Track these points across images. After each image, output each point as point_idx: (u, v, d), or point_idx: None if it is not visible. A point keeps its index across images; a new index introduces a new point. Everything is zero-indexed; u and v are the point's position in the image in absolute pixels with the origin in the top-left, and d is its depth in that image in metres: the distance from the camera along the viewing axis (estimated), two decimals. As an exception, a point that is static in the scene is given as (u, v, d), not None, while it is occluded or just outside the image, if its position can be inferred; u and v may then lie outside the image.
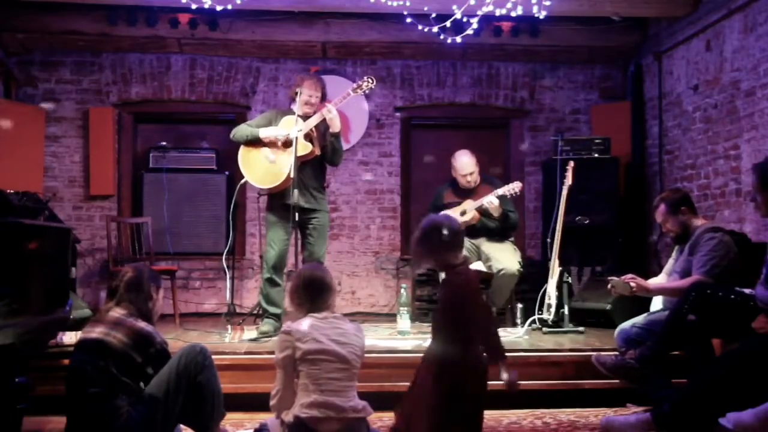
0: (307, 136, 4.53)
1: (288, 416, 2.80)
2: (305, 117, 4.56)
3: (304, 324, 2.85)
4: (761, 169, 3.34)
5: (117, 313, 2.99)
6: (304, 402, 2.76)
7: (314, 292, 2.92)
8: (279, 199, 4.65)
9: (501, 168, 6.98)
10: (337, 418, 2.76)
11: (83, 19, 6.14)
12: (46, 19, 6.10)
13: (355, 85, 4.63)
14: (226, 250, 5.14)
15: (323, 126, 4.60)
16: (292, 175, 4.37)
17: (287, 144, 4.56)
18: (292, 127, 4.57)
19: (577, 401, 3.99)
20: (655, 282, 4.07)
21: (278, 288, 4.68)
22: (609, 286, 3.98)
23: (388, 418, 3.71)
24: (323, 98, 4.74)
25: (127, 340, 2.91)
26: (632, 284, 3.80)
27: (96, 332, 2.93)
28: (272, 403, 2.89)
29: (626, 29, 6.46)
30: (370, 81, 4.59)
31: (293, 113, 4.64)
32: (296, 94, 4.63)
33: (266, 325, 4.64)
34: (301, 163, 4.50)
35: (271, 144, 4.63)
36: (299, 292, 2.94)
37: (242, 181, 4.78)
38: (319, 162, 4.73)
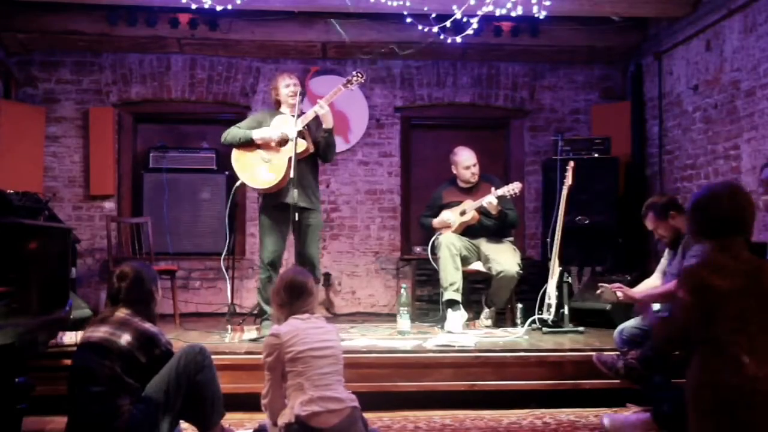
0: (300, 134, 4.52)
1: (285, 418, 2.82)
2: (297, 115, 4.55)
3: (290, 326, 2.95)
4: None
5: (122, 313, 2.99)
6: (302, 400, 2.81)
7: (295, 296, 3.03)
8: (274, 199, 4.64)
9: (501, 168, 6.98)
10: (337, 410, 2.83)
11: (83, 19, 6.14)
12: (46, 19, 6.09)
13: (345, 80, 4.64)
14: (224, 253, 5.15)
15: (314, 123, 4.60)
16: (291, 175, 4.37)
17: (282, 143, 4.56)
18: (281, 129, 4.58)
19: (577, 401, 3.99)
20: (645, 285, 4.08)
21: None
22: (598, 292, 4.03)
23: (388, 418, 3.73)
24: (304, 92, 4.77)
25: (133, 341, 2.91)
26: (619, 294, 3.83)
27: (101, 332, 2.93)
28: (264, 402, 2.97)
29: (626, 29, 6.46)
30: (360, 75, 4.58)
31: (282, 113, 4.66)
32: (277, 94, 4.76)
33: (267, 328, 4.64)
34: (296, 161, 4.49)
35: (265, 145, 4.63)
36: (281, 295, 3.05)
37: (237, 183, 4.76)
38: (313, 160, 4.73)
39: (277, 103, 4.82)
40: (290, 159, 4.42)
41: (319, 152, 4.69)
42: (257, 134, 4.63)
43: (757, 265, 2.30)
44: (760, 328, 2.20)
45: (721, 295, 2.21)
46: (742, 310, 2.20)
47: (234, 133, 4.71)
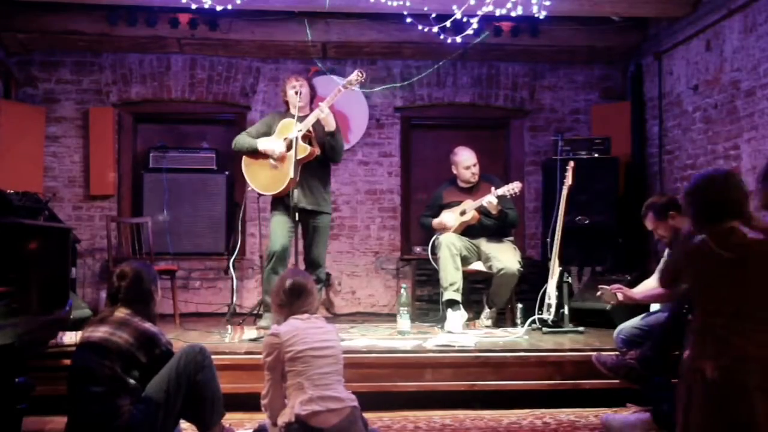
0: (306, 138, 4.54)
1: (285, 417, 2.83)
2: (302, 118, 4.57)
3: (290, 326, 2.97)
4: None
5: (121, 313, 2.99)
6: (302, 399, 2.81)
7: (295, 296, 3.05)
8: (282, 201, 4.67)
9: (501, 168, 6.98)
10: (337, 409, 2.84)
11: (83, 19, 6.14)
12: (46, 19, 6.09)
13: (345, 81, 4.63)
14: (235, 254, 5.18)
15: (319, 125, 4.61)
16: (291, 175, 4.37)
17: (287, 149, 4.58)
18: (287, 132, 4.59)
19: (577, 401, 3.99)
20: (645, 285, 4.07)
21: None
22: (598, 293, 4.03)
23: (388, 418, 3.73)
24: (313, 93, 4.79)
25: (133, 341, 2.91)
26: (619, 295, 3.83)
27: (101, 331, 2.93)
28: (264, 402, 2.98)
29: (626, 29, 6.46)
30: (360, 75, 4.57)
31: (291, 116, 4.67)
32: (285, 95, 4.81)
33: (266, 320, 4.66)
34: (304, 164, 4.51)
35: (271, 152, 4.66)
36: (281, 295, 3.07)
37: (248, 189, 4.86)
38: (322, 162, 4.73)
39: (287, 104, 4.86)
40: (296, 163, 4.43)
41: (326, 155, 4.71)
42: (261, 145, 4.68)
43: (746, 252, 2.33)
44: (746, 315, 2.29)
45: (709, 285, 2.35)
46: (729, 298, 2.31)
47: (242, 141, 4.77)
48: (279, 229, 4.69)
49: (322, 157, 4.71)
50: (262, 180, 4.70)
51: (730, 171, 2.56)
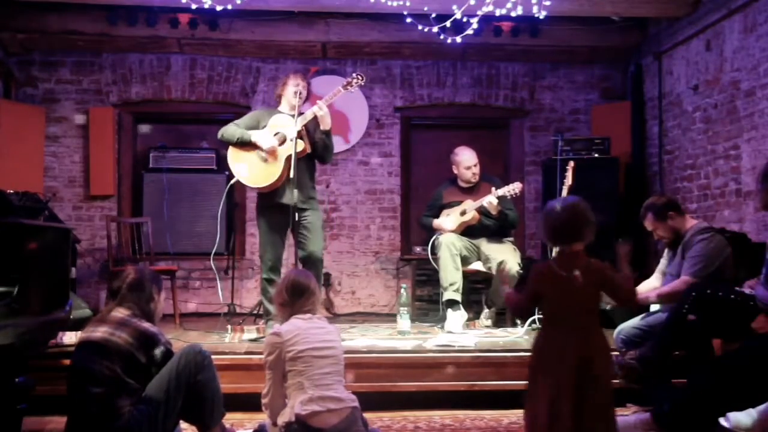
0: (298, 134, 4.51)
1: (285, 417, 2.83)
2: (296, 116, 4.53)
3: (292, 325, 2.97)
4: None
5: (120, 313, 2.99)
6: (302, 399, 2.82)
7: (297, 295, 3.05)
8: (269, 199, 4.60)
9: (501, 168, 6.98)
10: (337, 409, 2.84)
11: (83, 19, 6.15)
12: (46, 19, 6.10)
13: (345, 82, 4.62)
14: (213, 250, 5.14)
15: (312, 123, 4.59)
16: (291, 175, 4.35)
17: (280, 143, 4.55)
18: (280, 128, 4.57)
19: (577, 401, 3.98)
20: (645, 286, 4.07)
21: None
22: None
23: (388, 418, 3.73)
24: (308, 94, 4.75)
25: (132, 341, 2.91)
26: None
27: (100, 332, 2.92)
28: (264, 401, 2.98)
29: (626, 29, 6.46)
30: (360, 78, 4.56)
31: (281, 112, 4.65)
32: (283, 90, 4.70)
33: (271, 329, 4.63)
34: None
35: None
36: (283, 295, 3.09)
37: (232, 180, 4.72)
38: (310, 160, 4.71)
39: (279, 98, 4.79)
40: (288, 159, 4.40)
41: (316, 153, 4.68)
42: (255, 137, 4.59)
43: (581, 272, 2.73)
44: (569, 325, 2.63)
45: (546, 296, 2.69)
46: (558, 308, 2.67)
47: (231, 131, 4.65)
48: (269, 240, 4.63)
49: (311, 155, 4.68)
50: (250, 172, 4.61)
51: (572, 202, 2.89)
